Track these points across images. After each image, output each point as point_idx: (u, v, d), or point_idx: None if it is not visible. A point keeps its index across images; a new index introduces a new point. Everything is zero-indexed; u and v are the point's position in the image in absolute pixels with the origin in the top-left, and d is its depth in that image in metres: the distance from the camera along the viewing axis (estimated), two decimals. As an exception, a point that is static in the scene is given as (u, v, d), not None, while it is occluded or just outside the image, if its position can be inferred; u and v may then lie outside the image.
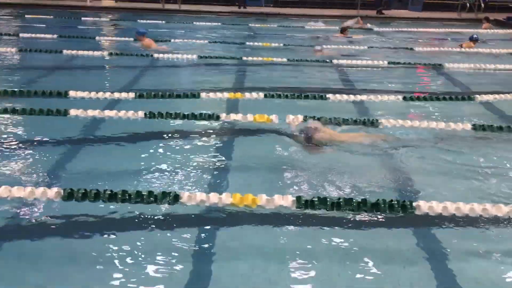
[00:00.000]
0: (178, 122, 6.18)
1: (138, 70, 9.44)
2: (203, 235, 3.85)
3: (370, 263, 3.46)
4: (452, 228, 3.92)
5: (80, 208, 4.00)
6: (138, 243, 3.65)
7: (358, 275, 3.35)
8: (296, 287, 3.26)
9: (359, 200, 3.96)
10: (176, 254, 3.54)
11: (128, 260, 3.46)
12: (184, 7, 19.89)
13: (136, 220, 3.95)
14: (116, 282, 3.24)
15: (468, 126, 6.15)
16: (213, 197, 4.00)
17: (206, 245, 3.70)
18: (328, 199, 3.97)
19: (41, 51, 10.16)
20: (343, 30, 14.30)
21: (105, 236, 3.75)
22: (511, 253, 3.66)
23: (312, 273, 3.37)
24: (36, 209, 4.03)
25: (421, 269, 3.46)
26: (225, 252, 3.60)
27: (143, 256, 3.51)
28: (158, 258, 3.49)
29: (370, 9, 20.13)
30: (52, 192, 3.99)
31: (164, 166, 4.94)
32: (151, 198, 4.01)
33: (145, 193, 4.03)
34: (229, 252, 3.60)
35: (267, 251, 3.61)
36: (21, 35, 12.20)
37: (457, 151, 5.58)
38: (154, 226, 3.89)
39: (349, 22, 15.41)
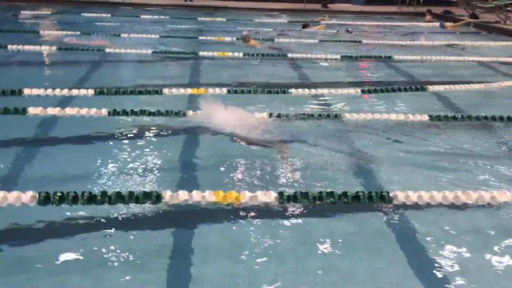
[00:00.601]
0: (145, 119, 6.07)
1: (89, 65, 9.16)
2: (184, 234, 3.83)
3: (358, 256, 3.55)
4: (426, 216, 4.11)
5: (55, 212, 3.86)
6: (117, 245, 3.54)
7: (345, 268, 3.43)
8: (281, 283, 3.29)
9: (340, 193, 4.08)
10: (158, 255, 3.48)
11: (107, 262, 3.36)
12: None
13: (118, 221, 3.86)
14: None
15: (425, 117, 6.44)
16: (196, 195, 3.98)
17: (187, 245, 3.68)
18: (309, 193, 4.06)
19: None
20: (304, 26, 14.60)
21: (86, 239, 3.64)
22: (480, 237, 3.88)
23: (295, 268, 3.40)
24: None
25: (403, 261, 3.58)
26: (206, 250, 3.57)
27: (122, 258, 3.41)
28: (141, 259, 3.41)
29: (316, 2, 20.48)
30: (27, 196, 3.83)
31: (134, 165, 4.84)
32: (132, 199, 3.94)
33: (126, 194, 3.96)
34: (210, 251, 3.57)
35: (252, 248, 3.62)
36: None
37: (418, 141, 5.84)
38: (135, 226, 3.82)
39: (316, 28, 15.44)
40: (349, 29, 14.43)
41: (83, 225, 3.82)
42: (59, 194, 3.88)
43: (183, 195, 3.98)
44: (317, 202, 4.03)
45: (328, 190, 4.13)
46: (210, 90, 7.25)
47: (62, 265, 3.29)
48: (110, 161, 4.89)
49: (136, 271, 3.27)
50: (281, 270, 3.34)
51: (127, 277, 3.20)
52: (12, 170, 4.66)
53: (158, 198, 3.96)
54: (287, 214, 4.00)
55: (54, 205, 3.85)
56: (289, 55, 10.33)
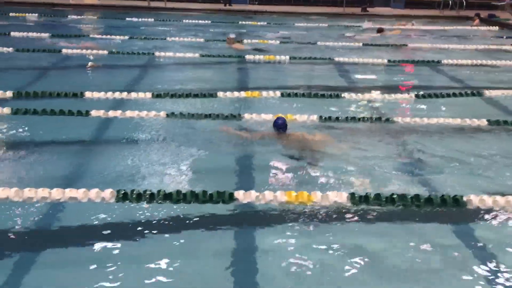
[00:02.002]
0: (202, 121, 6.16)
1: (141, 69, 9.36)
2: (251, 234, 3.87)
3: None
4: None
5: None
6: (189, 241, 3.65)
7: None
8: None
9: (412, 195, 4.07)
10: (224, 253, 3.55)
11: (183, 257, 3.46)
12: (170, 4, 19.71)
13: (190, 219, 3.94)
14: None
15: (484, 122, 6.34)
16: (268, 195, 4.03)
17: (255, 244, 3.73)
18: (381, 195, 4.06)
19: (38, 50, 10.03)
20: (379, 31, 14.63)
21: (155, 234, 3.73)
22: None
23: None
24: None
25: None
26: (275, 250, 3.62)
27: (194, 254, 3.51)
28: (212, 255, 3.51)
29: (355, 7, 20.35)
30: (106, 193, 3.97)
31: (200, 166, 4.94)
32: (206, 198, 4.02)
33: (200, 193, 4.05)
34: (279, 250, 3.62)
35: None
36: (12, 33, 11.89)
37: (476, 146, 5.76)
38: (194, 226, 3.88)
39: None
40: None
41: (159, 222, 3.92)
42: (136, 192, 4.00)
43: (255, 195, 4.04)
44: (388, 204, 4.03)
45: (400, 192, 4.12)
46: (264, 93, 7.32)
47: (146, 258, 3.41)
48: (180, 161, 5.01)
49: (217, 267, 3.35)
50: (355, 270, 3.37)
51: (209, 272, 3.29)
52: (88, 169, 4.83)
53: (231, 197, 4.03)
54: (359, 214, 4.02)
55: (132, 202, 3.97)
56: (336, 59, 10.31)
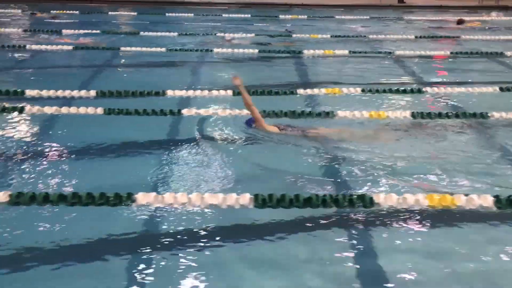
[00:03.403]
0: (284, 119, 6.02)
1: (201, 66, 9.29)
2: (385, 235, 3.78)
3: None
4: None
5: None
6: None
7: None
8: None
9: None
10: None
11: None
12: (203, -1, 19.58)
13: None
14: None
15: None
16: (410, 198, 3.92)
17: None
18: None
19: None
20: (460, 22, 14.34)
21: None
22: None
23: None
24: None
25: None
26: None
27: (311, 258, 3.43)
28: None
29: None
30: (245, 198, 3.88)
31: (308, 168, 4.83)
32: (346, 201, 3.92)
33: (340, 197, 3.95)
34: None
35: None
36: (64, 31, 11.86)
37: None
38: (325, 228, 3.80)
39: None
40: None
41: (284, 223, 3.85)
42: (276, 197, 3.90)
43: (392, 198, 3.92)
44: None
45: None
46: (344, 89, 7.18)
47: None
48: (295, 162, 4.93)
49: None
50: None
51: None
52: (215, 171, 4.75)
53: (371, 201, 3.92)
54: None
55: (272, 207, 3.88)
56: (397, 52, 10.13)
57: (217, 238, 3.65)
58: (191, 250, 3.50)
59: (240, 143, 5.40)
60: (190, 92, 7.01)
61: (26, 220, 3.82)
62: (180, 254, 3.45)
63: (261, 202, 3.86)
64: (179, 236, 3.70)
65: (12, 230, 3.68)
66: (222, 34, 12.11)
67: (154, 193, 3.93)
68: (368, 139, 5.48)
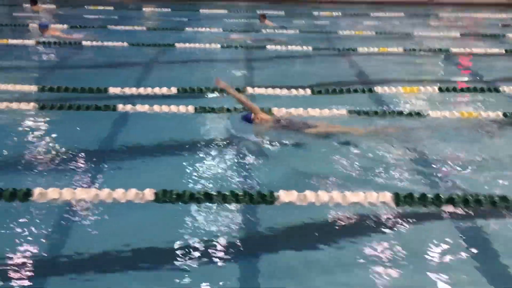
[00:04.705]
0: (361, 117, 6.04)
1: (264, 63, 9.27)
2: None
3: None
4: None
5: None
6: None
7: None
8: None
9: None
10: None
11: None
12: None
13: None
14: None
15: None
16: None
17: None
18: None
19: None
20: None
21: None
22: None
23: None
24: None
25: None
26: None
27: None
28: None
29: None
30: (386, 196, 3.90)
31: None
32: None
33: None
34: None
35: None
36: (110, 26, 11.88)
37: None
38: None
39: None
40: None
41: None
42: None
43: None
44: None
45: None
46: (422, 88, 7.18)
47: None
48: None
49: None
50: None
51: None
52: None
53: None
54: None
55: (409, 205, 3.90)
56: (453, 50, 10.10)
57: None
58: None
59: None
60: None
61: (172, 217, 3.84)
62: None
63: (402, 199, 3.90)
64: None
65: (158, 227, 3.72)
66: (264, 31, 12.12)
67: (295, 191, 3.95)
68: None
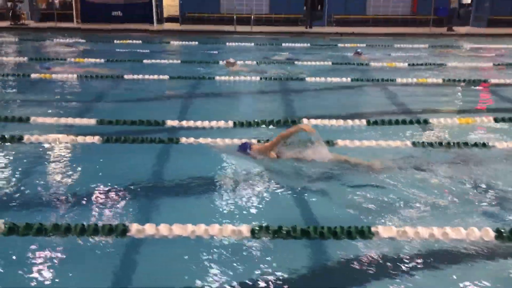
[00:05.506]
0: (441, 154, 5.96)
1: (302, 95, 9.30)
2: None
3: None
4: None
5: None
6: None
7: None
8: None
9: None
10: None
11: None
12: (256, 28, 19.86)
13: None
14: None
15: None
16: None
17: None
18: None
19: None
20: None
21: None
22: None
23: None
24: None
25: None
26: None
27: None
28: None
29: (440, 26, 20.29)
30: None
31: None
32: None
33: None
34: None
35: None
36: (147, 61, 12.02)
37: None
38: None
39: None
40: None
41: None
42: None
43: None
44: None
45: None
46: (477, 119, 7.14)
47: None
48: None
49: None
50: None
51: None
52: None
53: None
54: None
55: None
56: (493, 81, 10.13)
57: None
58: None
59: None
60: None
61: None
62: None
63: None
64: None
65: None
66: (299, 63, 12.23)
67: (394, 227, 3.86)
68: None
